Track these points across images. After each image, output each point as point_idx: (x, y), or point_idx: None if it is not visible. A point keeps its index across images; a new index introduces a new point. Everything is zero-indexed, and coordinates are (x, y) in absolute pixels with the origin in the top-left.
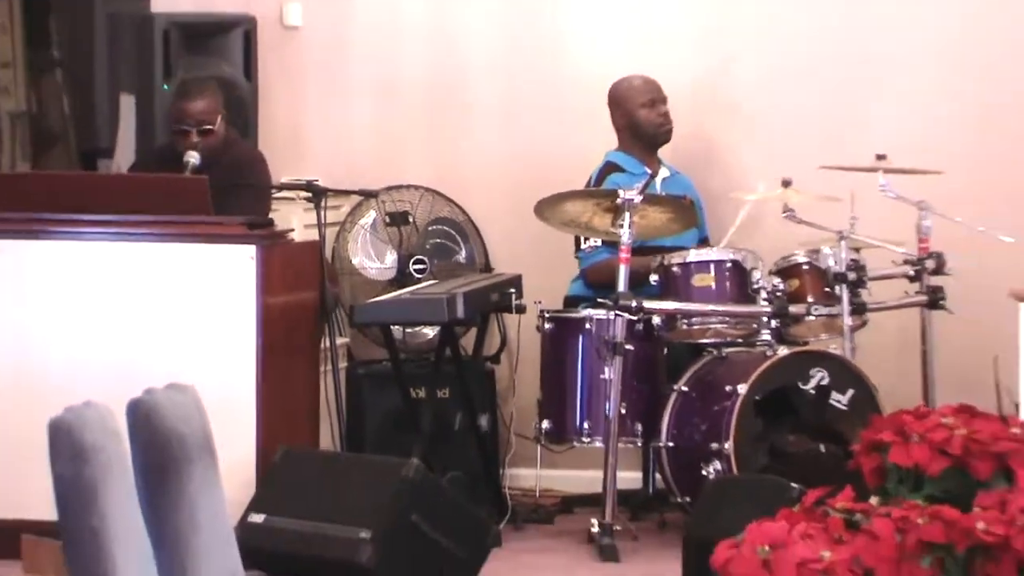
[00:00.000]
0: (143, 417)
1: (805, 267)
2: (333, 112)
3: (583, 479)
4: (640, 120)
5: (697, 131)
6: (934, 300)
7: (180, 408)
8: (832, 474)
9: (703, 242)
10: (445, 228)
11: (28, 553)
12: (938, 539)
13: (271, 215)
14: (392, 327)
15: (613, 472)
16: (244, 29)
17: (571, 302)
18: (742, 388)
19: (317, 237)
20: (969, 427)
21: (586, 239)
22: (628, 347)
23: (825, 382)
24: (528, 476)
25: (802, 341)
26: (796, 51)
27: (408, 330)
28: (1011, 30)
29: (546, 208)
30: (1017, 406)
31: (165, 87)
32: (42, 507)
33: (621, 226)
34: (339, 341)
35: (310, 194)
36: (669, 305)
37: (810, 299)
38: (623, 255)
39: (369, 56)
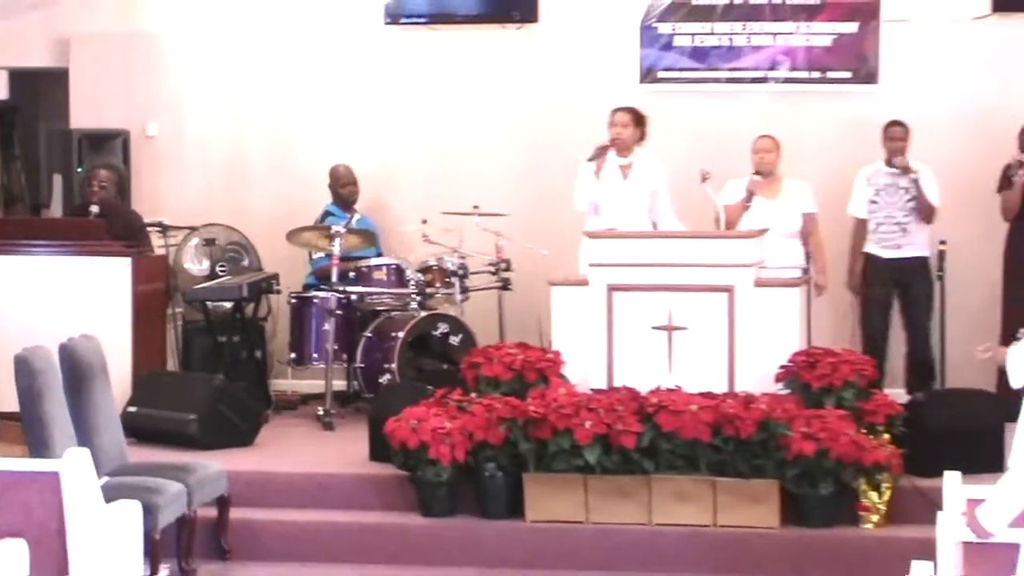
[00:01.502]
0: (68, 353)
1: (435, 267)
2: (173, 181)
3: (314, 385)
4: (341, 192)
5: (373, 196)
6: (505, 285)
7: (88, 349)
8: (450, 381)
9: (379, 255)
10: (236, 247)
11: (2, 431)
12: (508, 415)
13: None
14: (207, 302)
15: (330, 381)
16: (123, 138)
17: (306, 288)
18: (400, 334)
19: (165, 252)
20: (524, 353)
21: (314, 252)
22: (338, 312)
23: (446, 330)
24: (283, 384)
25: (433, 308)
26: (421, 130)
27: (216, 303)
28: (553, 108)
29: (293, 236)
30: (550, 342)
31: (79, 170)
32: (11, 403)
33: (334, 245)
34: (177, 310)
35: (160, 229)
36: (360, 288)
37: (438, 285)
38: (335, 261)
39: (191, 149)
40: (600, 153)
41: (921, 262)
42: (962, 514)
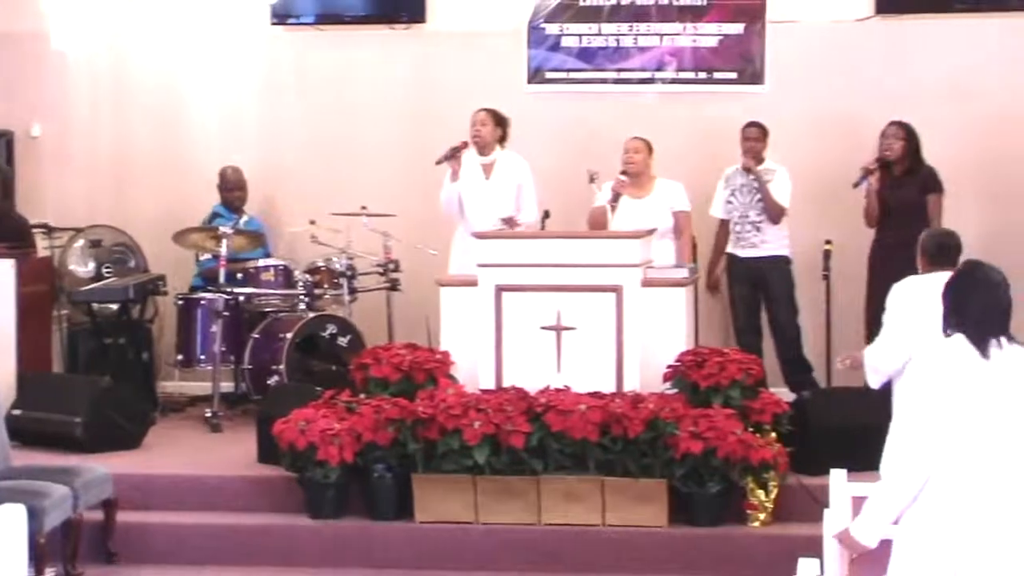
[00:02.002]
0: None
1: (323, 268)
2: (58, 182)
3: (201, 387)
4: (228, 196)
5: (261, 197)
6: (393, 286)
7: None
8: (339, 382)
9: (267, 256)
10: (123, 248)
11: None
12: (397, 416)
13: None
14: (93, 304)
15: (217, 383)
16: (7, 139)
17: (193, 289)
18: (289, 335)
19: (50, 254)
20: (413, 354)
21: (202, 254)
22: (225, 313)
23: (335, 331)
24: (170, 386)
25: (321, 309)
26: (309, 131)
27: (102, 305)
28: (441, 108)
29: (180, 237)
30: (439, 342)
31: None
32: None
33: (221, 246)
34: (63, 312)
35: (45, 231)
36: (248, 289)
37: (326, 286)
38: (222, 262)
39: (77, 150)
40: (450, 155)
41: (778, 261)
42: (834, 536)
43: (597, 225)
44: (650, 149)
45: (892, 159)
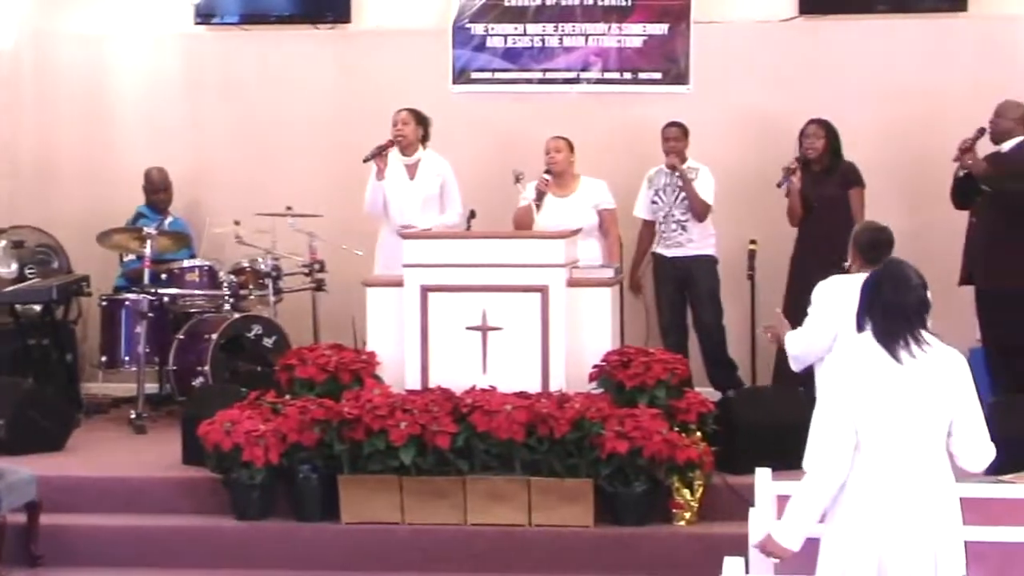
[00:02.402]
0: None
1: (248, 269)
2: None
3: (126, 388)
4: (152, 198)
5: (186, 198)
6: (319, 287)
7: None
8: (264, 383)
9: (192, 256)
10: (46, 249)
11: None
12: (322, 416)
13: None
14: (16, 305)
15: (142, 384)
16: None
17: (117, 290)
18: (213, 336)
19: None
20: (339, 355)
21: (126, 254)
22: (150, 314)
23: (260, 332)
24: (94, 387)
25: (246, 310)
26: (234, 131)
27: (25, 306)
28: (366, 108)
29: (104, 238)
30: (364, 343)
31: None
32: None
33: (145, 247)
34: None
35: None
36: (172, 290)
37: (251, 287)
38: (146, 263)
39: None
40: (377, 152)
41: (704, 260)
42: (755, 545)
43: (522, 225)
44: (571, 147)
45: (813, 157)
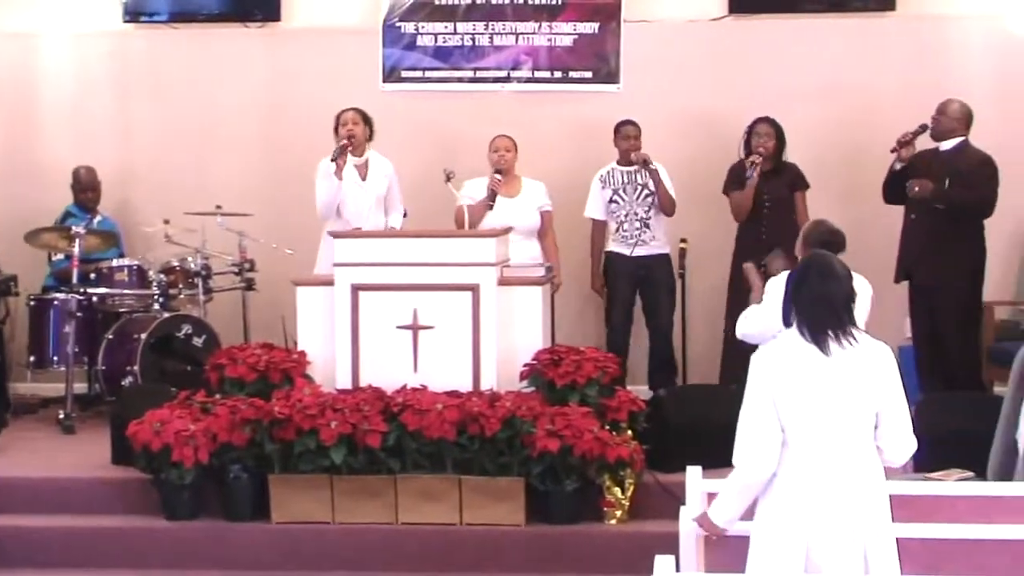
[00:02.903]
0: None
1: (178, 268)
2: None
3: (55, 388)
4: (80, 197)
5: (115, 197)
6: (249, 286)
7: None
8: (194, 383)
9: (121, 256)
10: None
11: None
12: (253, 416)
13: None
14: None
15: (71, 384)
16: None
17: (46, 290)
18: (143, 336)
19: None
20: (269, 354)
21: (54, 254)
22: (78, 314)
23: (190, 332)
24: (23, 387)
25: (176, 309)
26: (163, 130)
27: None
28: (296, 107)
29: (32, 237)
30: (295, 342)
31: None
32: None
33: (74, 246)
34: None
35: None
36: (101, 290)
37: (181, 286)
38: (75, 263)
39: None
40: (342, 152)
41: (663, 259)
42: (693, 519)
43: (476, 224)
44: (516, 147)
45: (765, 156)
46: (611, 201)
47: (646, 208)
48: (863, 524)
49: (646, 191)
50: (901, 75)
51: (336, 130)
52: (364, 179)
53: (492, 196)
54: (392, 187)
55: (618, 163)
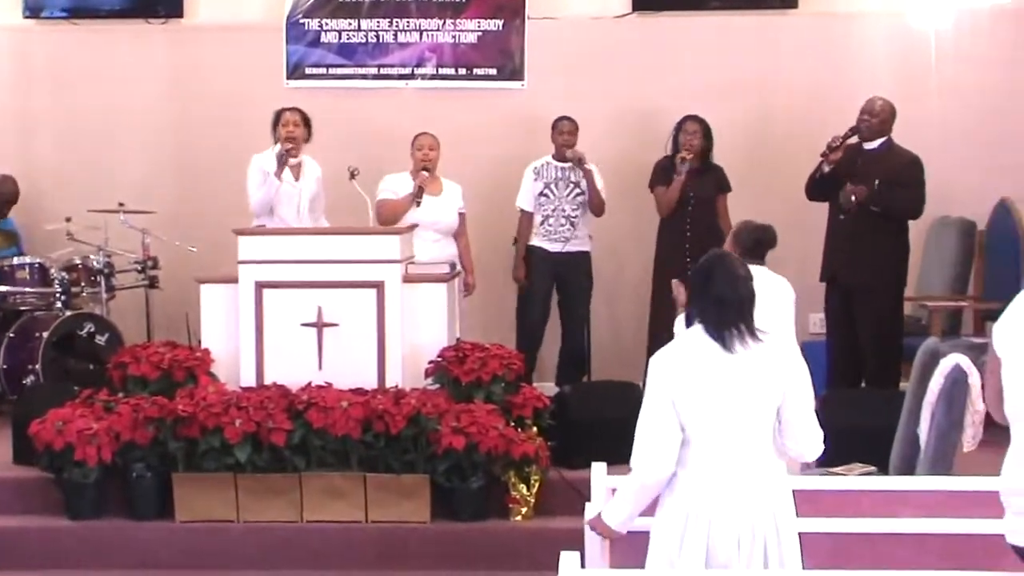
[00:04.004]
0: None
1: (80, 266)
2: None
3: None
4: None
5: (20, 198)
6: (152, 283)
7: None
8: (97, 381)
9: (21, 254)
10: None
11: None
12: (156, 414)
13: None
14: None
15: None
16: None
17: None
18: (44, 334)
19: None
20: (172, 352)
21: None
22: None
23: (92, 330)
24: None
25: (79, 307)
26: (65, 127)
27: None
28: (199, 104)
29: None
30: (199, 340)
31: None
32: None
33: None
34: None
35: None
36: (2, 288)
37: (83, 284)
38: None
39: None
40: (287, 154)
41: (584, 256)
42: (587, 521)
43: (389, 220)
44: (439, 145)
45: (693, 155)
46: (541, 195)
47: (575, 206)
48: (763, 520)
49: (577, 189)
50: (804, 73)
51: (275, 127)
52: (298, 180)
53: (419, 193)
54: (320, 190)
55: (553, 158)
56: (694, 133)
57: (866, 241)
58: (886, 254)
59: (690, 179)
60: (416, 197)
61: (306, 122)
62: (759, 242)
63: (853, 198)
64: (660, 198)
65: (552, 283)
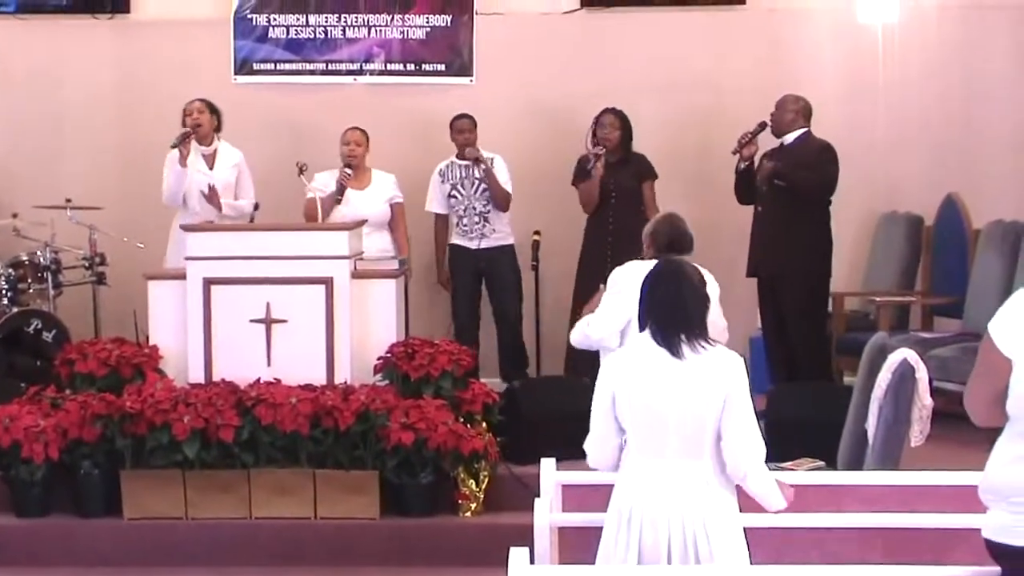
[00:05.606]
0: None
1: (26, 262)
2: None
3: None
4: None
5: None
6: (100, 280)
7: None
8: (44, 378)
9: None
10: None
11: None
12: (104, 411)
13: None
14: None
15: None
16: None
17: None
18: None
19: None
20: (120, 349)
21: None
22: None
23: (39, 327)
24: None
25: (25, 304)
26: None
27: None
28: (147, 99)
29: None
30: (147, 336)
31: None
32: None
33: None
34: None
35: None
36: None
37: (30, 280)
38: None
39: None
40: (184, 139)
41: (506, 250)
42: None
43: (313, 218)
44: (367, 140)
45: (609, 147)
46: (450, 195)
47: (484, 202)
48: (693, 519)
49: (483, 186)
50: (751, 68)
51: (184, 122)
52: (211, 168)
53: (341, 190)
54: (241, 176)
55: (456, 157)
56: (610, 126)
57: (783, 233)
58: (804, 245)
59: (610, 172)
60: (337, 194)
61: (212, 110)
62: (672, 246)
63: (766, 162)
64: (582, 193)
65: (477, 279)
